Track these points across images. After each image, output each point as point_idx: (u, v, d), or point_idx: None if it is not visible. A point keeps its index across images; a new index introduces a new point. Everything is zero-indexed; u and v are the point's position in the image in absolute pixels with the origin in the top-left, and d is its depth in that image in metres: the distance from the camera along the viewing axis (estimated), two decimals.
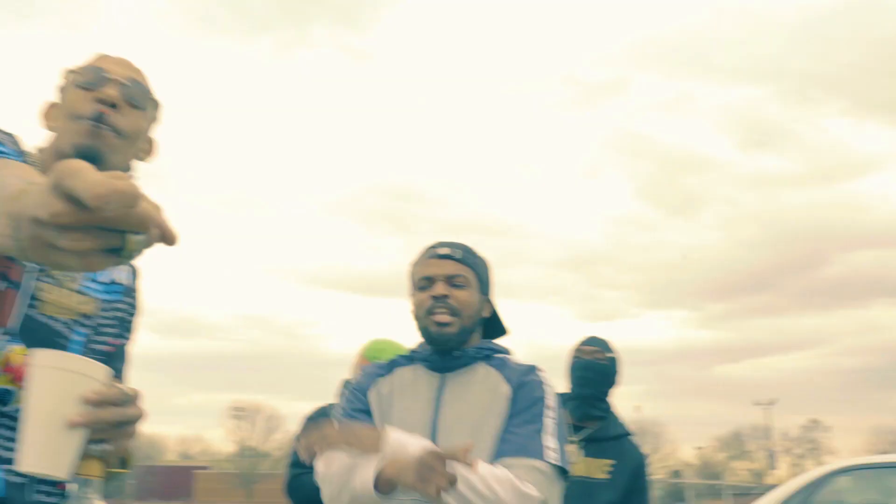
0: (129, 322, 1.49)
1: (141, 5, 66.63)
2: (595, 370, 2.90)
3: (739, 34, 70.24)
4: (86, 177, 0.68)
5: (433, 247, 2.08)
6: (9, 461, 1.23)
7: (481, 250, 2.11)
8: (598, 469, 2.79)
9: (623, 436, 2.90)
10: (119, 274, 1.47)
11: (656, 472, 42.53)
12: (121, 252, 0.74)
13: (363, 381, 2.07)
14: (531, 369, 2.01)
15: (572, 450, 2.66)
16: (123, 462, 1.23)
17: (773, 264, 67.26)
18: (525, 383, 1.96)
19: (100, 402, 1.04)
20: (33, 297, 1.29)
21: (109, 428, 1.07)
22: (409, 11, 71.90)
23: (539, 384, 1.97)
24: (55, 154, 1.33)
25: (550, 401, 1.96)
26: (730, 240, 69.89)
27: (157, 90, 1.48)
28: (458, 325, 1.97)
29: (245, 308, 73.54)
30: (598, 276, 73.57)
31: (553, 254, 73.85)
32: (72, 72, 1.41)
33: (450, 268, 2.01)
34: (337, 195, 72.42)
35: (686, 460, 55.83)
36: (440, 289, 1.98)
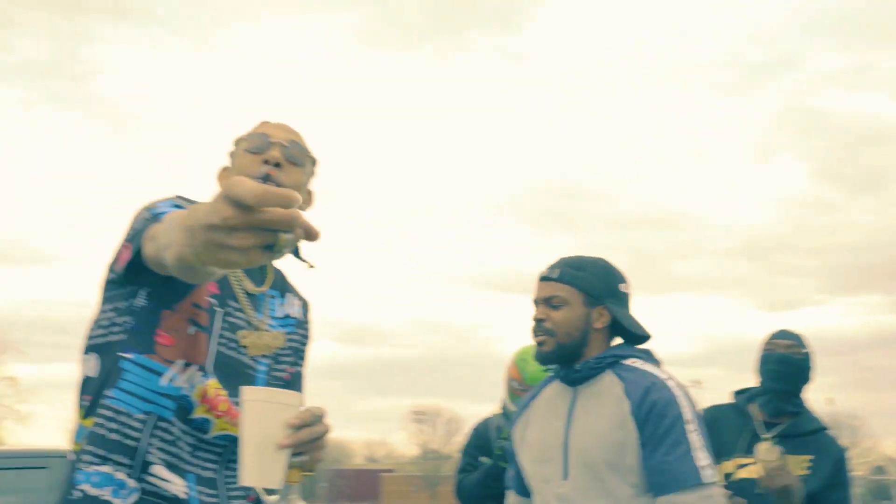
0: (302, 351, 1.69)
1: (305, 28, 69.55)
2: (790, 364, 2.76)
3: None
4: (247, 183, 0.87)
5: (546, 266, 2.17)
6: (209, 482, 1.48)
7: (596, 258, 2.17)
8: (797, 465, 2.66)
9: (820, 430, 2.77)
10: (292, 308, 1.67)
11: (856, 468, 40.08)
12: (273, 248, 0.90)
13: (511, 422, 2.26)
14: (658, 382, 2.00)
15: (767, 447, 2.54)
16: (312, 468, 1.43)
17: None
18: (655, 402, 1.96)
19: (299, 425, 1.29)
20: (234, 342, 1.52)
21: (307, 444, 1.32)
22: (562, 8, 71.33)
23: (671, 400, 1.97)
24: None
25: (688, 413, 1.96)
26: None
27: (313, 148, 1.68)
28: (553, 343, 2.08)
29: (420, 314, 75.11)
30: (778, 264, 70.11)
31: (727, 243, 71.00)
32: (240, 139, 1.63)
33: (546, 290, 2.11)
34: (503, 197, 72.78)
35: (889, 455, 52.26)
36: (538, 313, 2.11)
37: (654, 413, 1.94)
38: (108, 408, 1.43)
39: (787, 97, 68.26)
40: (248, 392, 1.29)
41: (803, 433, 2.74)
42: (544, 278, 2.13)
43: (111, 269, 1.44)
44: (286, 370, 1.63)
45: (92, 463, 1.41)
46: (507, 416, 3.15)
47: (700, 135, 71.43)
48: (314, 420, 1.32)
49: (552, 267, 2.14)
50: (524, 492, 2.20)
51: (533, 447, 2.14)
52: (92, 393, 1.46)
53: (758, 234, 68.70)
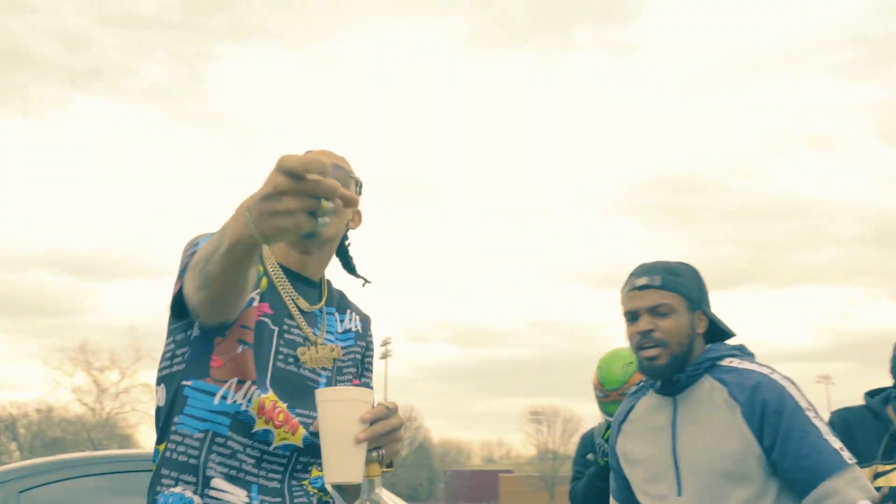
0: (364, 362, 1.78)
1: (406, 33, 70.36)
2: None
3: None
4: (294, 156, 1.07)
5: (633, 275, 2.08)
6: (274, 491, 1.55)
7: (679, 262, 2.10)
8: None
9: None
10: (351, 323, 1.76)
11: None
12: (316, 214, 1.08)
13: (613, 434, 2.19)
14: (764, 379, 1.92)
15: None
16: (391, 462, 1.47)
17: None
18: (766, 400, 1.88)
19: (373, 419, 1.34)
20: (293, 357, 1.60)
21: (382, 437, 1.36)
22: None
23: (782, 393, 1.89)
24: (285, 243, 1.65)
25: (803, 401, 1.89)
26: None
27: (357, 171, 1.78)
28: (667, 355, 1.98)
29: (534, 314, 74.85)
30: None
31: (855, 230, 67.94)
32: None
33: (651, 298, 2.02)
34: (616, 193, 71.73)
35: None
36: (645, 323, 2.01)
37: (769, 412, 1.86)
38: (176, 433, 1.54)
39: None
40: (321, 393, 1.34)
41: None
42: (644, 287, 2.03)
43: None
44: (351, 381, 1.72)
45: (168, 486, 1.52)
46: (606, 427, 3.15)
47: (822, 119, 68.58)
48: (388, 414, 1.37)
49: (649, 274, 2.04)
50: None
51: (640, 465, 2.07)
52: (162, 420, 1.57)
53: (888, 220, 65.37)
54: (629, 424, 2.14)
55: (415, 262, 72.89)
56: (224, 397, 1.51)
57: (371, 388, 1.76)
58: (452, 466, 56.65)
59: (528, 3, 68.73)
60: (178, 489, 1.51)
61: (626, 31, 68.73)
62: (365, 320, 1.80)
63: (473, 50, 69.92)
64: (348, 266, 1.83)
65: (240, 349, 1.53)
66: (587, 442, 3.37)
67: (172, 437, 1.54)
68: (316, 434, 1.53)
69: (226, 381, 1.52)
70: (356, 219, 1.77)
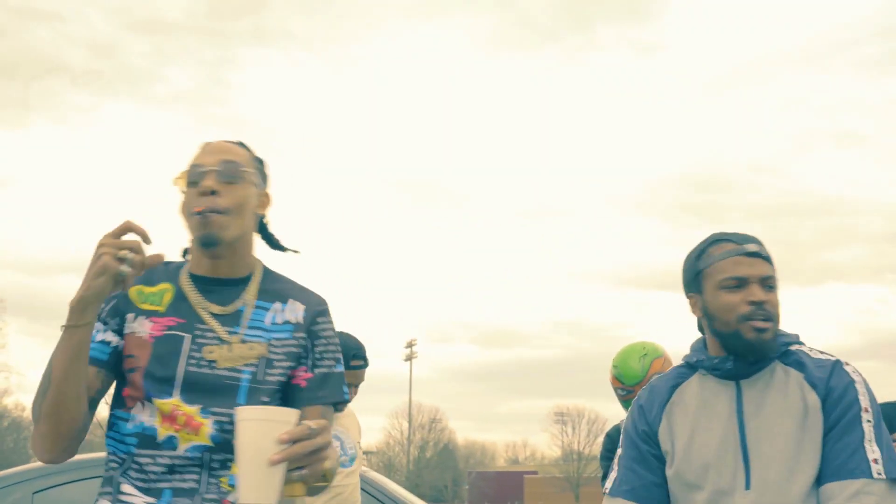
0: (314, 353, 1.72)
1: (428, 34, 70.38)
2: None
3: None
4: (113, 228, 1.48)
5: (732, 240, 1.90)
6: (189, 492, 1.59)
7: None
8: None
9: None
10: (291, 314, 1.73)
11: None
12: (124, 259, 1.47)
13: (643, 418, 1.96)
14: (837, 366, 1.82)
15: None
16: (324, 477, 1.47)
17: None
18: (834, 388, 1.79)
19: (292, 441, 1.33)
20: (204, 359, 1.63)
21: (304, 457, 1.35)
22: None
23: (851, 384, 1.79)
24: (194, 244, 1.71)
25: (865, 401, 1.79)
26: None
27: (256, 152, 1.78)
28: (773, 331, 1.83)
29: (557, 314, 74.61)
30: None
31: (883, 227, 67.04)
32: (182, 174, 1.73)
33: (763, 268, 1.86)
34: (637, 192, 71.37)
35: None
36: (759, 293, 1.83)
37: (834, 396, 1.78)
38: (108, 453, 1.68)
39: None
40: (239, 412, 1.34)
41: None
42: (755, 254, 1.87)
43: None
44: (286, 375, 1.69)
45: (101, 496, 1.67)
46: None
47: (848, 115, 67.86)
48: (310, 434, 1.36)
49: (755, 243, 1.89)
50: (652, 503, 1.91)
51: (695, 454, 1.85)
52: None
53: None
54: (674, 407, 1.92)
55: (437, 263, 72.96)
56: (132, 420, 1.63)
57: (334, 378, 1.73)
58: (477, 468, 56.60)
59: (551, 2, 68.68)
60: (104, 501, 1.65)
61: (650, 29, 68.47)
62: (312, 310, 1.75)
63: (496, 50, 69.97)
64: (273, 245, 1.85)
65: (134, 374, 1.64)
66: (614, 438, 3.31)
67: (108, 457, 1.68)
68: (229, 430, 1.57)
69: (133, 406, 1.63)
70: (263, 202, 1.77)
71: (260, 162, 1.78)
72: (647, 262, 68.83)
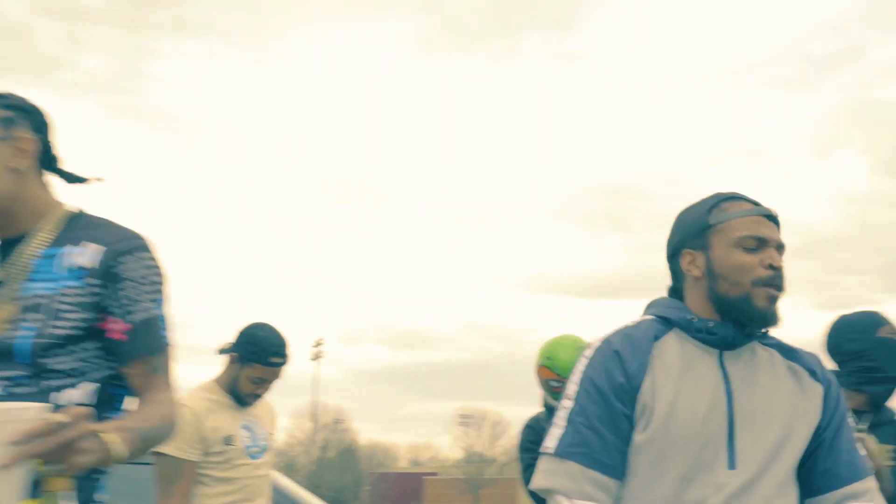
0: (114, 302, 1.56)
1: (355, 34, 69.86)
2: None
3: None
4: None
5: (745, 199, 1.72)
6: None
7: None
8: (882, 454, 2.49)
9: None
10: (85, 258, 1.57)
11: None
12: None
13: (622, 369, 1.63)
14: (819, 361, 1.75)
15: (863, 436, 2.34)
16: (105, 461, 1.36)
17: None
18: (831, 381, 1.71)
19: (30, 438, 1.24)
20: None
21: (55, 452, 1.27)
22: (619, 7, 70.51)
23: (838, 384, 1.73)
24: None
25: (843, 400, 1.73)
26: None
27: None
28: (779, 300, 1.66)
29: (468, 317, 74.88)
30: (835, 262, 68.15)
31: (791, 243, 69.60)
32: None
33: (777, 233, 1.70)
34: (555, 198, 72.15)
35: None
36: (777, 258, 1.65)
37: (832, 392, 1.70)
38: None
39: (848, 90, 66.66)
40: None
41: (890, 421, 2.59)
42: (773, 218, 1.71)
43: None
44: (105, 326, 1.56)
45: None
46: (551, 413, 3.08)
47: (756, 132, 70.11)
48: (52, 429, 1.27)
49: (767, 206, 1.73)
50: (613, 472, 1.61)
51: (679, 420, 1.60)
52: None
53: (816, 232, 67.18)
54: (656, 361, 1.64)
55: (352, 264, 72.33)
56: None
57: (150, 324, 1.59)
58: (379, 469, 56.35)
59: (478, 7, 69.01)
60: None
61: (573, 39, 69.42)
62: (112, 250, 1.58)
63: (422, 52, 69.84)
64: (71, 179, 1.72)
65: None
66: (534, 428, 3.29)
67: None
68: (16, 394, 1.51)
69: None
70: (18, 152, 1.61)
71: (4, 105, 1.62)
72: (561, 268, 69.78)
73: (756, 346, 1.70)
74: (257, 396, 3.12)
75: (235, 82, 67.01)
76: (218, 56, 65.51)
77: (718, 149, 70.29)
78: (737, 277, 1.63)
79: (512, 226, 71.44)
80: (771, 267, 1.63)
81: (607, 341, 1.68)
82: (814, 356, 1.76)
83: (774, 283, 1.63)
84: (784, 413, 1.64)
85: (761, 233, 1.65)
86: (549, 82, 70.65)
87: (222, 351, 3.14)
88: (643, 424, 1.61)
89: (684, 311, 1.69)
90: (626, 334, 1.68)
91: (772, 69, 68.32)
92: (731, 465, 1.59)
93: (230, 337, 3.13)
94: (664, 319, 1.70)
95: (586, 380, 1.64)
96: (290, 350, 3.14)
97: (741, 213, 1.68)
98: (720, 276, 1.65)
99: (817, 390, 1.69)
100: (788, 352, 1.73)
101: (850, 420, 1.73)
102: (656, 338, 1.67)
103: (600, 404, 1.61)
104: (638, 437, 1.61)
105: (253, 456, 3.10)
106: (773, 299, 1.63)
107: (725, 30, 71.38)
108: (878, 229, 65.09)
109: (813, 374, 1.71)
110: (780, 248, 1.67)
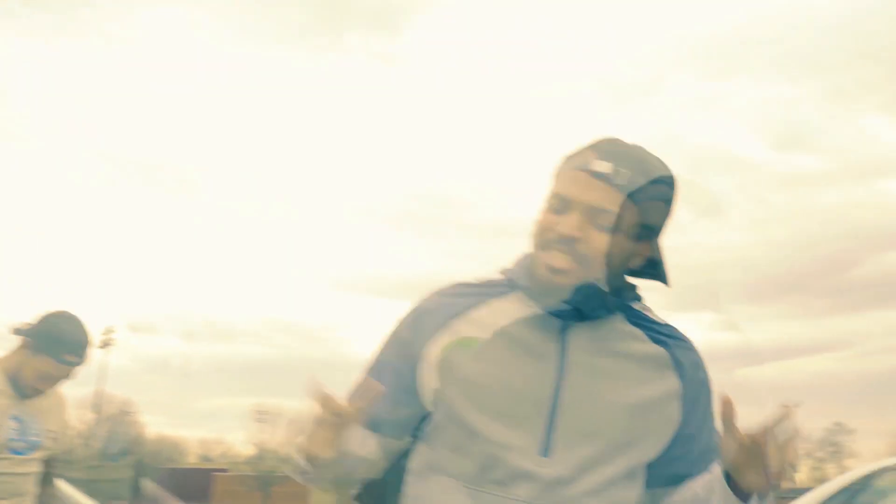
0: None
1: (174, 16, 66.82)
2: None
3: (774, 31, 69.36)
4: None
5: (592, 149, 1.45)
6: None
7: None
8: None
9: None
10: None
11: None
12: None
13: (429, 315, 1.50)
14: (686, 340, 1.51)
15: None
16: None
17: (802, 265, 66.44)
18: (697, 363, 1.49)
19: None
20: None
21: None
22: (442, 16, 71.39)
23: (702, 361, 1.51)
24: None
25: (708, 379, 1.52)
26: (759, 241, 68.98)
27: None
28: (575, 276, 1.40)
29: (270, 312, 73.52)
30: None
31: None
32: None
33: (602, 197, 1.40)
34: (366, 200, 72.37)
35: None
36: (570, 224, 1.40)
37: (698, 381, 1.48)
38: None
39: (648, 121, 70.94)
40: None
41: None
42: (602, 176, 1.43)
43: None
44: None
45: None
46: None
47: (567, 143, 73.18)
48: None
49: (615, 162, 1.45)
50: (391, 430, 1.51)
51: (483, 390, 1.42)
52: None
53: None
54: (467, 324, 1.46)
55: (154, 250, 69.29)
56: None
57: None
58: (167, 464, 54.26)
59: (303, 1, 68.00)
60: None
61: (393, 41, 69.81)
62: None
63: (244, 40, 67.89)
64: None
65: None
66: None
67: None
68: None
69: None
70: None
71: None
72: (369, 269, 69.95)
73: (617, 322, 1.47)
74: (39, 392, 2.91)
75: (37, 53, 62.59)
76: (25, 27, 61.13)
77: (527, 164, 73.05)
78: (534, 238, 1.45)
79: (320, 224, 71.07)
80: (557, 232, 1.40)
81: (428, 299, 1.55)
82: (669, 328, 1.52)
83: (560, 250, 1.39)
84: (631, 405, 1.42)
85: (570, 193, 1.41)
86: (369, 83, 70.82)
87: (17, 332, 2.89)
88: (438, 396, 1.47)
89: (521, 272, 1.50)
90: (438, 294, 1.54)
91: (580, 93, 71.92)
92: (545, 452, 1.39)
93: (30, 319, 2.88)
94: (510, 281, 1.52)
95: (398, 337, 1.56)
96: (90, 352, 2.91)
97: (568, 167, 1.46)
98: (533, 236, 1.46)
99: (673, 378, 1.46)
100: (661, 338, 1.48)
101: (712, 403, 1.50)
102: (489, 295, 1.50)
103: (395, 375, 1.52)
104: (434, 411, 1.49)
105: (16, 451, 2.87)
106: (555, 271, 1.39)
107: (537, 50, 74.34)
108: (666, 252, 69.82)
109: (676, 362, 1.47)
110: (593, 212, 1.40)
